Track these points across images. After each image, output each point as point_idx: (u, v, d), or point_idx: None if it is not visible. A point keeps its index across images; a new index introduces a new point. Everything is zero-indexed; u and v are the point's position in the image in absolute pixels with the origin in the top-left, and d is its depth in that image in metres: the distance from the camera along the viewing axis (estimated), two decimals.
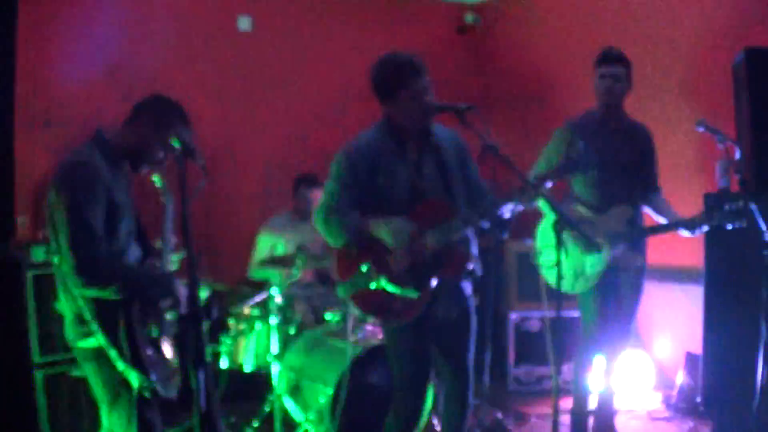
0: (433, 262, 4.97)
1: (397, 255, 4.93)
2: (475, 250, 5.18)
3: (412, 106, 4.95)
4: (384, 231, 4.90)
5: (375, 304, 5.01)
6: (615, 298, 6.25)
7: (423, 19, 9.77)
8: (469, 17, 10.03)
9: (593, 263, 6.04)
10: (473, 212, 4.96)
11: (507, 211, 4.96)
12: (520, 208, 4.94)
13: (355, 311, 5.32)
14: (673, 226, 5.97)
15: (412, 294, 4.93)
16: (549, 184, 5.09)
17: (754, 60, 6.17)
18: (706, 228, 5.82)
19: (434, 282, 4.98)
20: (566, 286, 6.09)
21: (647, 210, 6.30)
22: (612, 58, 6.07)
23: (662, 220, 6.16)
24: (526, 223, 6.49)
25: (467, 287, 5.29)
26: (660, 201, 6.30)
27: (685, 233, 5.91)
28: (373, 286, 4.97)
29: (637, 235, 6.12)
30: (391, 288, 4.96)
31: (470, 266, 5.11)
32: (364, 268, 4.97)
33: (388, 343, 5.25)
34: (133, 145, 4.48)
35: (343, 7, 9.29)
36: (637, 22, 8.19)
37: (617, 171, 6.15)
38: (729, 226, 5.69)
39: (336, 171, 5.04)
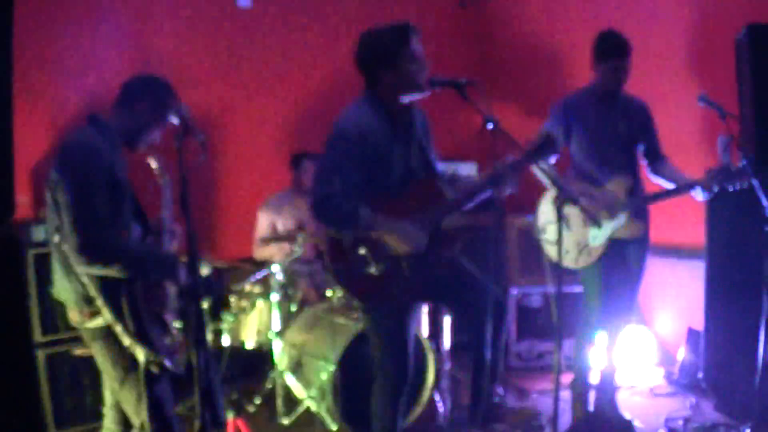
0: (426, 245, 4.94)
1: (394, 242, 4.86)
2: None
3: (413, 69, 4.89)
4: (394, 236, 4.83)
5: (369, 289, 4.95)
6: (619, 272, 6.25)
7: None
8: None
9: (596, 236, 6.05)
10: (461, 195, 4.98)
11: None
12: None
13: (349, 293, 5.16)
14: (674, 192, 5.97)
15: (408, 275, 4.92)
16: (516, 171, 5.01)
17: (757, 36, 6.15)
18: (704, 190, 5.82)
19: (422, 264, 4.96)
20: (570, 262, 6.10)
21: (658, 180, 6.30)
22: (625, 50, 6.02)
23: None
24: (528, 199, 6.48)
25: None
26: (668, 168, 6.30)
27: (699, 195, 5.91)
28: (368, 270, 4.88)
29: (639, 204, 6.11)
30: (387, 272, 4.88)
31: (459, 247, 5.11)
32: (361, 251, 4.86)
33: (371, 321, 5.24)
34: (131, 128, 4.51)
35: None
36: None
37: (615, 144, 6.17)
38: (730, 188, 5.68)
39: (335, 152, 4.87)
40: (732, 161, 6.33)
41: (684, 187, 5.95)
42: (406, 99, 4.99)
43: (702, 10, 7.52)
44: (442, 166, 5.36)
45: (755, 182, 5.43)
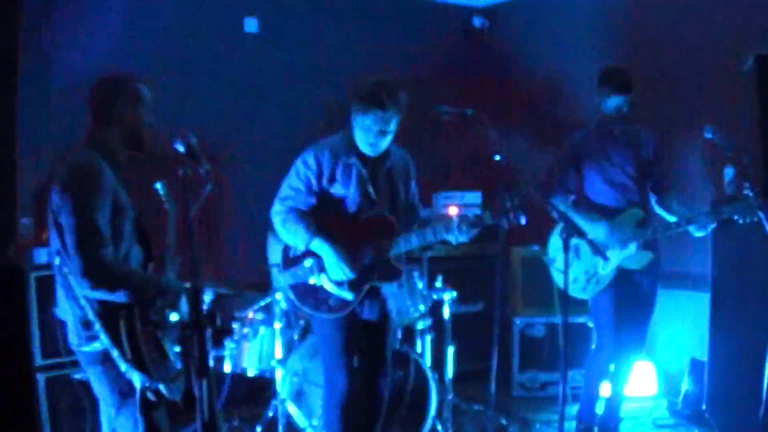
0: (369, 270, 5.48)
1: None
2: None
3: (360, 136, 5.39)
4: (326, 255, 5.41)
5: (311, 297, 5.54)
6: (629, 302, 6.25)
7: (430, 22, 9.74)
8: (476, 21, 9.99)
9: (605, 266, 6.06)
10: (413, 236, 5.42)
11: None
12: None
13: (292, 299, 5.72)
14: (683, 223, 5.96)
15: (347, 296, 5.43)
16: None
17: (764, 66, 6.13)
18: (713, 223, 5.88)
19: (367, 287, 5.49)
20: (577, 291, 6.12)
21: (661, 212, 6.30)
22: (629, 86, 6.04)
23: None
24: (532, 229, 6.46)
25: (388, 293, 5.76)
26: (674, 202, 6.34)
27: (695, 232, 5.93)
28: (312, 280, 5.47)
29: (649, 235, 6.09)
30: (329, 286, 5.45)
31: (401, 277, 5.61)
32: (307, 264, 5.49)
33: (319, 330, 5.73)
34: (126, 133, 4.48)
35: (350, 9, 9.26)
36: (645, 27, 8.16)
37: (624, 180, 6.18)
38: (740, 220, 5.68)
39: (298, 170, 5.54)
40: (738, 193, 6.32)
41: (683, 223, 5.95)
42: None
43: (709, 41, 7.52)
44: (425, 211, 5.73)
45: (761, 214, 5.41)
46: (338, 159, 5.45)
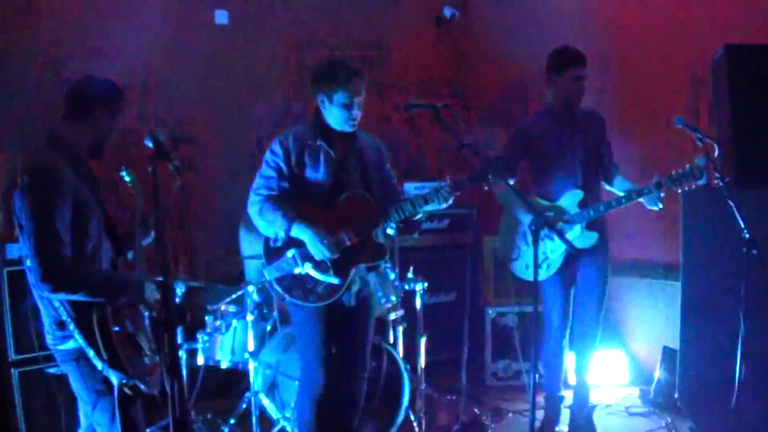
0: (353, 253, 5.45)
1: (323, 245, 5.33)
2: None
3: (337, 116, 5.37)
4: (307, 238, 5.33)
5: (298, 288, 5.44)
6: (580, 284, 6.44)
7: (401, 12, 9.74)
8: (447, 10, 9.99)
9: (554, 249, 6.21)
10: (392, 211, 5.46)
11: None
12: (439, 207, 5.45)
13: (279, 291, 5.56)
14: (624, 200, 6.11)
15: (333, 280, 5.40)
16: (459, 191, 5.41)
17: (734, 57, 6.15)
18: (659, 193, 6.04)
19: (353, 271, 5.48)
20: (530, 275, 6.17)
21: (614, 191, 6.42)
22: (583, 59, 6.13)
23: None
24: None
25: (371, 277, 5.77)
26: (620, 179, 6.47)
27: (649, 205, 6.12)
28: (297, 270, 5.40)
29: (590, 215, 6.20)
30: (314, 274, 5.38)
31: (384, 259, 5.61)
32: (290, 254, 5.41)
33: (298, 323, 5.65)
34: (93, 139, 4.45)
35: (321, 0, 9.25)
36: (617, 16, 8.17)
37: (573, 163, 6.29)
38: (686, 188, 5.98)
39: (267, 160, 5.49)
40: (710, 183, 6.36)
41: (625, 198, 6.04)
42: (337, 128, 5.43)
43: (680, 31, 7.53)
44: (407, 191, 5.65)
45: (732, 203, 5.43)
46: (304, 143, 5.45)
